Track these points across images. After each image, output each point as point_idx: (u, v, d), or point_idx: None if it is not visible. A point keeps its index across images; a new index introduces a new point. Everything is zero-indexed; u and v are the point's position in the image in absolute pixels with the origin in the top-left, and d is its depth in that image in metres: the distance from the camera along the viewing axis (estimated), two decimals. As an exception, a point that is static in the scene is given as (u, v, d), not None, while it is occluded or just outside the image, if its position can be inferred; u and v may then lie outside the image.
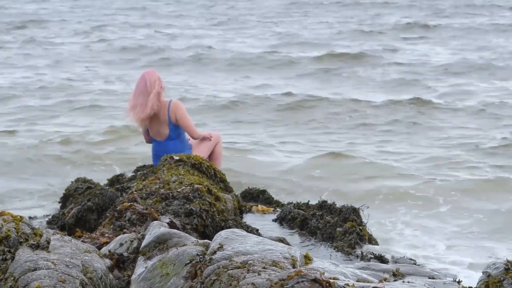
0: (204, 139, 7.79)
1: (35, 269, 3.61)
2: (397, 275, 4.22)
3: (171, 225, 4.80)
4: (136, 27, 30.36)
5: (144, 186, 5.99)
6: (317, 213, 6.20)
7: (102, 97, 16.14)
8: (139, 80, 7.69)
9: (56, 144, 11.76)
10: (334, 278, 3.53)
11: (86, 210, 6.41)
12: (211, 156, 7.71)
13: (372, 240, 6.09)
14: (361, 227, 5.99)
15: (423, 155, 11.02)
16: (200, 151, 7.55)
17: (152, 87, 7.53)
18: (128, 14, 35.81)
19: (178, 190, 5.68)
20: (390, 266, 4.33)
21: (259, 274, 3.46)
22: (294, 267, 3.66)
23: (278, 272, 3.47)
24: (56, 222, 6.60)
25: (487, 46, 22.72)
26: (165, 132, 7.66)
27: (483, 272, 3.84)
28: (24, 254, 3.77)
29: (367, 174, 9.99)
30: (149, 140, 7.90)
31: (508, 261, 3.75)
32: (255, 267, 3.54)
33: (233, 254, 3.72)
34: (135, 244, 4.44)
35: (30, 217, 7.09)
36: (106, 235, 4.99)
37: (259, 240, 3.93)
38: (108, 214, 5.51)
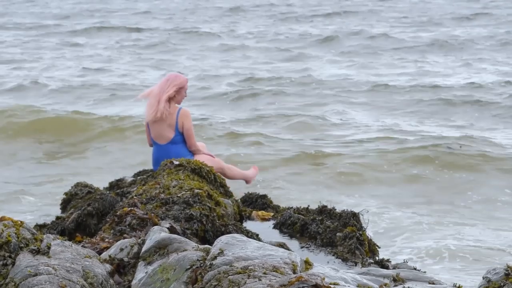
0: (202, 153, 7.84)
1: (35, 275, 3.61)
2: (397, 280, 4.22)
3: (172, 230, 4.81)
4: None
5: (144, 191, 5.99)
6: (317, 218, 6.20)
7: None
8: (164, 78, 7.79)
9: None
10: (334, 284, 3.53)
11: (86, 215, 6.40)
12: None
13: (372, 245, 6.08)
14: (361, 232, 5.98)
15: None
16: (201, 158, 7.56)
17: (169, 89, 7.59)
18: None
19: (178, 195, 5.68)
20: (390, 272, 4.32)
21: (259, 280, 3.46)
22: (294, 272, 3.66)
23: (279, 277, 3.48)
24: (56, 227, 6.59)
25: None
26: (169, 135, 7.69)
27: (483, 278, 3.84)
28: (24, 259, 3.77)
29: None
30: (151, 143, 7.91)
31: (508, 267, 3.74)
32: (256, 272, 3.55)
33: (234, 260, 3.72)
34: (135, 249, 4.44)
35: None
36: (106, 240, 4.99)
37: (260, 245, 3.93)
38: (108, 219, 5.51)
